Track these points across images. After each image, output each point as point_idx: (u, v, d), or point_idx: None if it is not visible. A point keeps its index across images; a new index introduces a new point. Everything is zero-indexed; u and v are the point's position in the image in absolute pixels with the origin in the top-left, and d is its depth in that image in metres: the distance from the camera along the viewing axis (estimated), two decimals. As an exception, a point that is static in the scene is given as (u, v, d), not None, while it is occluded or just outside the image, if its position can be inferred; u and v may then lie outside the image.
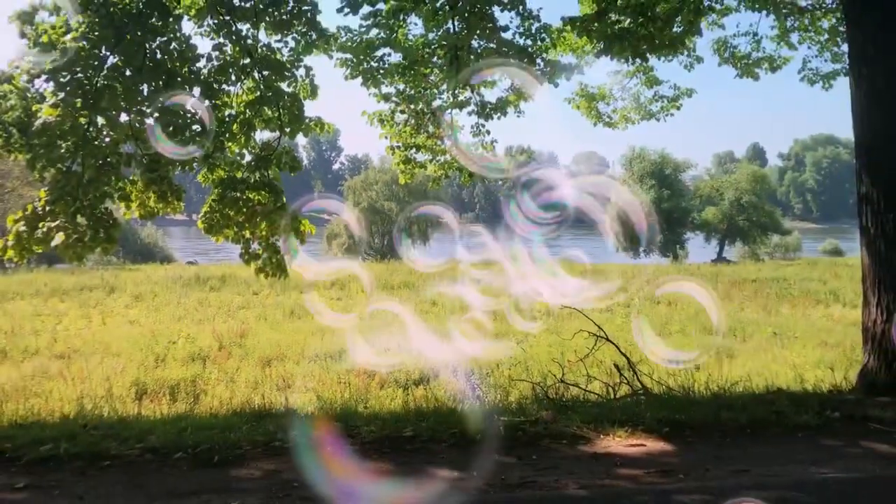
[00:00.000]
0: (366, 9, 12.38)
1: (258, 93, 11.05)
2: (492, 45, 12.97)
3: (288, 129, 11.34)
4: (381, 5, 12.47)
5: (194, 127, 10.50)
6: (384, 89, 13.67)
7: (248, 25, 11.07)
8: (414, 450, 6.75)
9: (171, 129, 10.23)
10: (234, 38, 11.01)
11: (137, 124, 10.47)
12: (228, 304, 26.75)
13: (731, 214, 70.28)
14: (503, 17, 12.04)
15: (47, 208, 10.05)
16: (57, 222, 9.96)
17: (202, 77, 10.81)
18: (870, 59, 9.04)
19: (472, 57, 13.02)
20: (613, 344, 10.37)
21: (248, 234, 11.35)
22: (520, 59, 13.11)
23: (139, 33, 9.93)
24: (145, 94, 10.31)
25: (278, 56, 11.33)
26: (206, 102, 10.77)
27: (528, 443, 6.98)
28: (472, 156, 14.02)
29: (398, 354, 13.05)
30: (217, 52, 11.05)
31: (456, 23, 12.76)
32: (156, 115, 10.16)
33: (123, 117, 10.36)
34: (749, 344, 18.32)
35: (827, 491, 5.76)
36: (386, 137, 14.34)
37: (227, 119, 11.02)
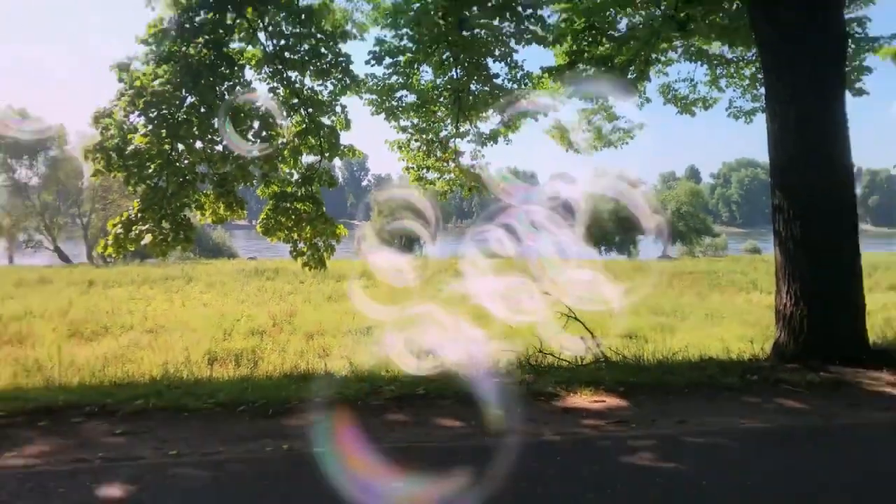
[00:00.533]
0: (388, 60, 12.48)
1: (304, 125, 11.10)
2: (486, 88, 13.05)
3: (327, 154, 11.40)
4: (399, 57, 12.55)
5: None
6: (402, 122, 13.77)
7: (296, 73, 11.12)
8: (425, 405, 6.76)
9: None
10: (285, 82, 11.06)
11: (209, 150, 10.50)
12: (280, 291, 26.81)
13: (673, 221, 70.51)
14: (495, 66, 12.12)
15: (139, 215, 10.12)
16: (147, 226, 10.03)
17: (260, 113, 10.83)
18: (783, 100, 9.06)
19: (470, 98, 13.08)
20: (581, 322, 10.37)
21: (295, 236, 11.41)
22: (508, 100, 13.15)
23: (211, 79, 9.96)
24: (216, 126, 10.34)
25: (320, 97, 11.38)
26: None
27: (514, 399, 6.98)
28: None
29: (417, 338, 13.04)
30: (272, 94, 11.09)
31: (458, 71, 12.83)
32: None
33: (198, 144, 10.39)
34: (687, 322, 18.33)
35: (748, 437, 5.77)
36: (403, 160, 14.41)
37: (279, 146, 11.03)
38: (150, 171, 10.08)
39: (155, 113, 9.88)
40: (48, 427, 5.92)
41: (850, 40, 10.92)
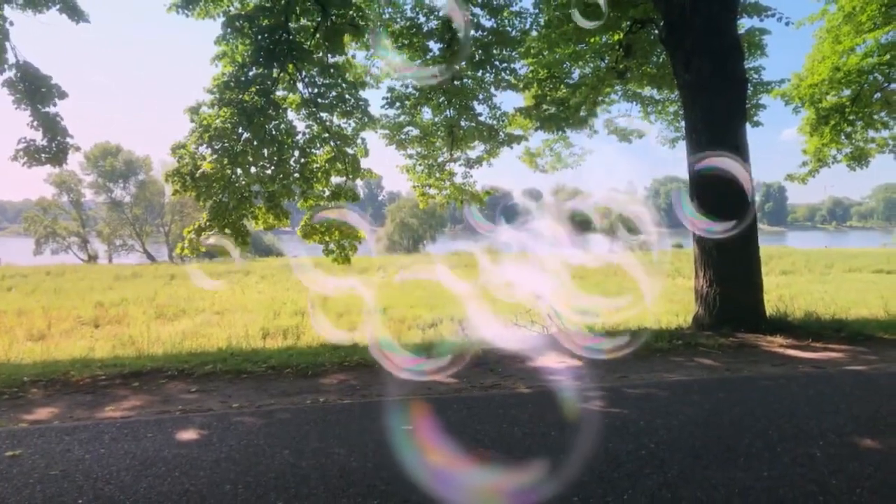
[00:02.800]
0: (397, 104, 12.52)
1: (333, 154, 11.06)
2: (472, 124, 13.04)
3: (350, 176, 11.35)
4: (406, 102, 12.57)
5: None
6: (409, 151, 13.74)
7: (326, 114, 11.08)
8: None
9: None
10: (318, 121, 11.02)
11: (261, 173, 10.47)
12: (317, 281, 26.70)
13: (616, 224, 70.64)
14: (479, 107, 12.18)
15: (207, 224, 10.09)
16: (213, 232, 10.00)
17: (299, 144, 10.80)
18: (698, 130, 9.09)
19: (461, 131, 13.08)
20: (547, 302, 10.36)
21: (327, 239, 11.40)
22: (489, 133, 13.15)
23: (262, 118, 9.92)
24: (265, 155, 10.31)
25: (345, 132, 11.34)
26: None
27: (496, 361, 6.99)
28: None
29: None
30: (308, 130, 11.06)
31: (451, 111, 12.84)
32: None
33: (253, 169, 10.36)
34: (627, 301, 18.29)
35: (674, 387, 5.78)
36: (410, 180, 14.39)
37: (314, 169, 11.00)
38: (216, 189, 10.04)
39: (218, 145, 9.85)
40: (139, 387, 5.92)
41: (748, 84, 10.95)
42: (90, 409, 5.18)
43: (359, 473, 3.67)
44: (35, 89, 9.74)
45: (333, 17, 10.37)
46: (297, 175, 10.73)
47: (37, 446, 4.14)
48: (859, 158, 14.10)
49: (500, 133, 13.43)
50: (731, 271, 8.78)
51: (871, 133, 13.96)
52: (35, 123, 9.86)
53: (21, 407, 5.27)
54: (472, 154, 14.08)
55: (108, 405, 5.31)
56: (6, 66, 9.61)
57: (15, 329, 13.36)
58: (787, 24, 11.05)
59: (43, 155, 9.97)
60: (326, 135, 11.06)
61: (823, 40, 12.94)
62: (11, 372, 6.39)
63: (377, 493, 3.39)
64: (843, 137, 13.84)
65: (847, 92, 13.34)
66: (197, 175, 9.79)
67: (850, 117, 13.42)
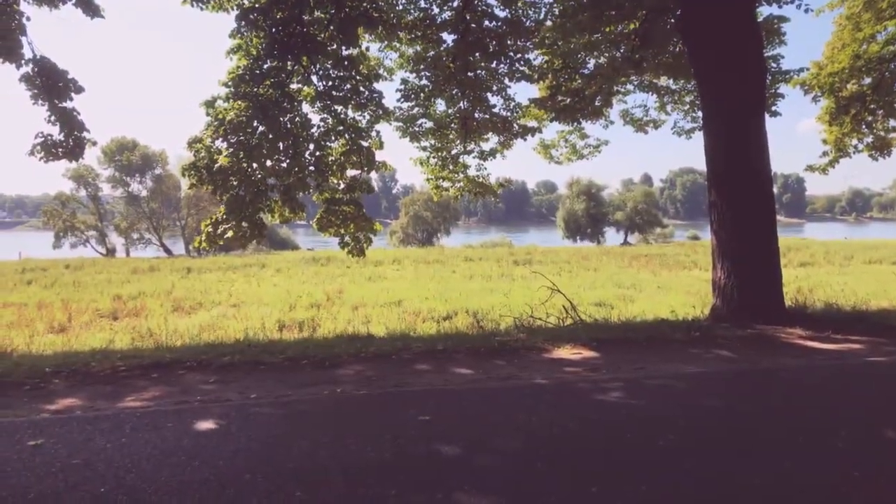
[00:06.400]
0: (411, 96, 12.50)
1: (348, 147, 11.04)
2: (486, 116, 12.98)
3: (366, 168, 11.33)
4: (420, 93, 12.55)
5: None
6: (422, 143, 13.68)
7: (341, 106, 11.06)
8: (443, 358, 6.76)
9: None
10: (333, 113, 11.00)
11: (277, 166, 10.48)
12: (332, 273, 26.82)
13: (632, 216, 70.35)
14: (493, 99, 12.08)
15: (224, 217, 10.13)
16: (230, 225, 10.04)
17: (314, 137, 10.80)
18: (715, 121, 9.00)
19: (474, 123, 13.03)
20: (563, 294, 10.34)
21: (342, 231, 11.40)
22: (503, 125, 13.09)
23: (276, 112, 9.92)
24: (281, 148, 10.31)
25: (360, 124, 11.30)
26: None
27: (512, 352, 6.98)
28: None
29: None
30: (323, 123, 11.04)
31: (465, 103, 12.80)
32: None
33: (268, 163, 10.36)
34: (643, 293, 18.21)
35: (692, 379, 5.74)
36: (424, 173, 14.34)
37: (329, 162, 11.00)
38: (232, 183, 10.08)
39: (234, 139, 9.86)
40: (158, 378, 5.98)
41: (767, 74, 10.80)
42: (111, 400, 5.25)
43: (376, 463, 3.68)
44: (52, 84, 9.81)
45: (347, 9, 10.33)
46: (312, 168, 10.73)
47: (59, 436, 4.21)
48: (881, 148, 13.87)
49: (515, 125, 13.33)
50: (749, 263, 8.70)
51: (893, 122, 13.72)
52: (52, 118, 9.94)
53: (43, 397, 5.34)
54: (486, 146, 14.01)
55: (128, 395, 5.37)
56: (23, 62, 9.69)
57: (35, 321, 13.56)
58: (806, 11, 10.85)
59: (59, 150, 10.04)
60: (341, 127, 11.04)
61: (843, 28, 12.73)
62: (33, 363, 6.49)
63: (394, 482, 3.41)
64: (863, 126, 13.62)
65: (868, 80, 13.12)
66: (213, 169, 9.82)
67: (871, 106, 13.20)
